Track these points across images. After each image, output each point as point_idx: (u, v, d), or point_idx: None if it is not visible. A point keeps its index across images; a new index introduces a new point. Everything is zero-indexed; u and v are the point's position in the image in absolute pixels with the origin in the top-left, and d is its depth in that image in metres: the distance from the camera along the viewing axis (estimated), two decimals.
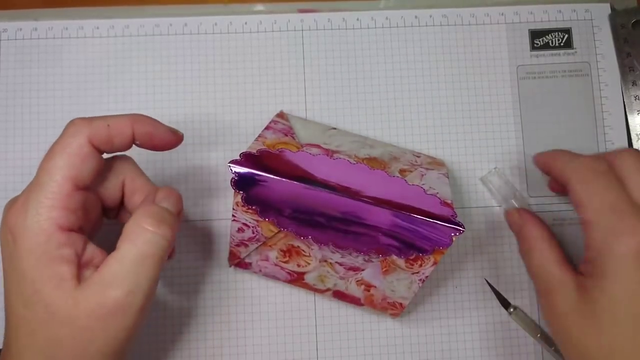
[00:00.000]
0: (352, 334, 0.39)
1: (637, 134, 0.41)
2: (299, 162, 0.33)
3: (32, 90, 0.40)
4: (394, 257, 0.34)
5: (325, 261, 0.35)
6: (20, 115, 0.40)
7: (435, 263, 0.34)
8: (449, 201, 0.33)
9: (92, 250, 0.30)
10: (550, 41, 0.42)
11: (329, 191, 0.33)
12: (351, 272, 0.35)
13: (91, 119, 0.30)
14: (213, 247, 0.39)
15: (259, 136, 0.35)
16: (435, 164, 0.38)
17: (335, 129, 0.39)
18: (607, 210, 0.31)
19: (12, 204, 0.30)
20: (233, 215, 0.34)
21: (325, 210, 0.33)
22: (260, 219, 0.33)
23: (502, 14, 0.43)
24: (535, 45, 0.42)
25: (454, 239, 0.32)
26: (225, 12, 0.42)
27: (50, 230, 0.28)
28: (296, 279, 0.37)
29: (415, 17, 0.42)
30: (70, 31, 0.41)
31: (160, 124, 0.32)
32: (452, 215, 0.33)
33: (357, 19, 0.42)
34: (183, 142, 0.40)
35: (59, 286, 0.28)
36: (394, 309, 0.37)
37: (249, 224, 0.34)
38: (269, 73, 0.41)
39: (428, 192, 0.34)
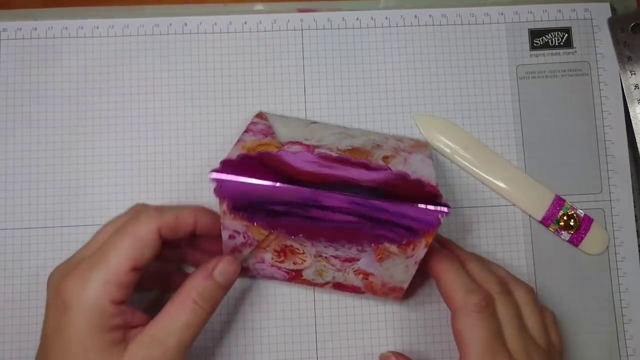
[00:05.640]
0: (352, 334, 0.39)
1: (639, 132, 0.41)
2: (281, 162, 0.33)
3: (32, 90, 0.40)
4: (386, 244, 0.34)
5: (320, 256, 0.35)
6: (20, 115, 0.40)
7: (427, 245, 0.33)
8: (434, 183, 0.33)
9: (135, 312, 0.32)
10: (549, 41, 0.42)
11: (314, 188, 0.32)
12: (347, 264, 0.35)
13: (162, 209, 0.33)
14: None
15: (238, 140, 0.34)
16: (419, 146, 0.37)
17: (316, 122, 0.38)
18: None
19: (66, 271, 0.32)
20: (222, 224, 0.34)
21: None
22: (249, 223, 0.33)
23: (502, 14, 0.43)
24: (534, 44, 0.42)
25: (441, 219, 0.32)
26: (224, 12, 0.42)
27: (105, 305, 0.31)
28: (294, 277, 0.37)
29: (415, 16, 0.42)
30: (70, 31, 0.41)
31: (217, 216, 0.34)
32: (438, 197, 0.32)
33: (357, 19, 0.42)
34: (183, 143, 0.40)
35: (110, 352, 0.30)
36: (395, 292, 0.37)
37: (238, 230, 0.34)
38: (268, 73, 0.41)
39: (412, 177, 0.33)
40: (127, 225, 0.32)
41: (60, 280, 0.31)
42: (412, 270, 0.35)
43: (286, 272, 0.37)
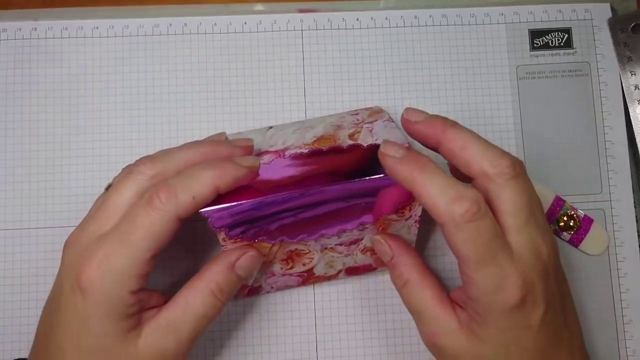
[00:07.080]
0: (352, 334, 0.39)
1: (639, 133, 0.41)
2: (260, 176, 0.33)
3: (32, 90, 0.40)
4: (384, 214, 0.34)
5: (326, 248, 0.35)
6: (19, 115, 0.40)
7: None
8: (406, 144, 0.33)
9: (151, 294, 0.32)
10: (550, 41, 0.42)
11: (299, 188, 0.32)
12: (353, 246, 0.36)
13: (177, 193, 0.30)
14: (210, 247, 0.39)
15: None
16: (375, 113, 0.37)
17: (271, 127, 0.38)
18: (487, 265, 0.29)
19: (84, 250, 0.30)
20: (224, 251, 0.33)
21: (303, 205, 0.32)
22: (250, 242, 0.33)
23: (502, 14, 0.43)
24: (535, 45, 0.42)
25: None
26: (224, 12, 0.42)
27: (124, 295, 0.30)
28: (307, 278, 0.37)
29: (415, 17, 0.42)
30: (70, 31, 0.41)
31: (240, 167, 0.31)
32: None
33: (357, 19, 0.42)
34: (183, 143, 0.40)
35: (125, 338, 0.30)
36: None
37: None
38: (268, 73, 0.41)
39: None
40: (142, 215, 0.30)
41: (77, 262, 0.30)
42: (415, 230, 0.35)
43: (298, 276, 0.37)
